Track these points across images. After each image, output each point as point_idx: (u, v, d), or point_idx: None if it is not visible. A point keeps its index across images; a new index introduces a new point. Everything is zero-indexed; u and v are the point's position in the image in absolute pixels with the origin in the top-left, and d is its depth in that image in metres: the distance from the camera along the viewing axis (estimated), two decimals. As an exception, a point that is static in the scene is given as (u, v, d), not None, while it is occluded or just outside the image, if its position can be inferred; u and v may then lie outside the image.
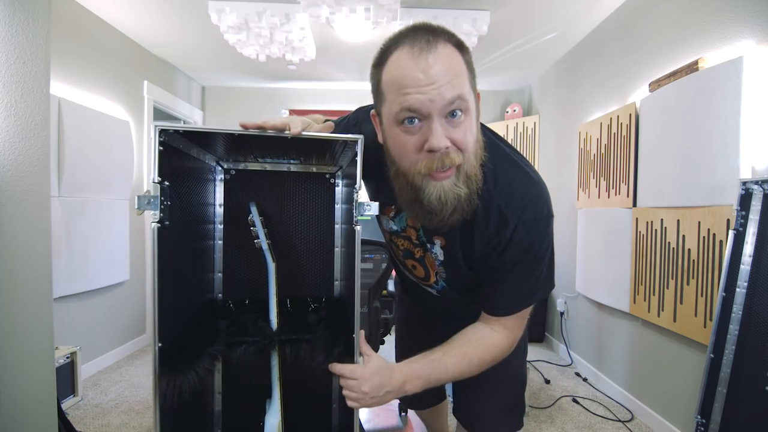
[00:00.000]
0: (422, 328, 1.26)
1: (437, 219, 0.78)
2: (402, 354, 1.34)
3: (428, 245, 0.93)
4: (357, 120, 0.99)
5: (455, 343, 0.88)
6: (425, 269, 0.98)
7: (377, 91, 0.77)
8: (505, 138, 3.54)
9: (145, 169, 3.20)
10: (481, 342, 0.88)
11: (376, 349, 1.84)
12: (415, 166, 0.73)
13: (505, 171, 0.83)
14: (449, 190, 0.74)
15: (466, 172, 0.74)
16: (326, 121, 1.04)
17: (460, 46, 0.74)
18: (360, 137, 0.84)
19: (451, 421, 1.27)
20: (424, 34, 0.70)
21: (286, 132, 0.79)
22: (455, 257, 0.90)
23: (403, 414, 2.19)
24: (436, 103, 0.68)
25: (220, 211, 1.15)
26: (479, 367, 0.88)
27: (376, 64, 0.76)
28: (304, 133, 0.86)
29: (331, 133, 1.03)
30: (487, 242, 0.84)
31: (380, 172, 0.84)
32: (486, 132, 0.89)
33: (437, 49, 0.69)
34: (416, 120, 0.70)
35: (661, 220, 2.01)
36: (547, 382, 2.64)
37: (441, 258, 0.92)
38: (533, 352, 3.21)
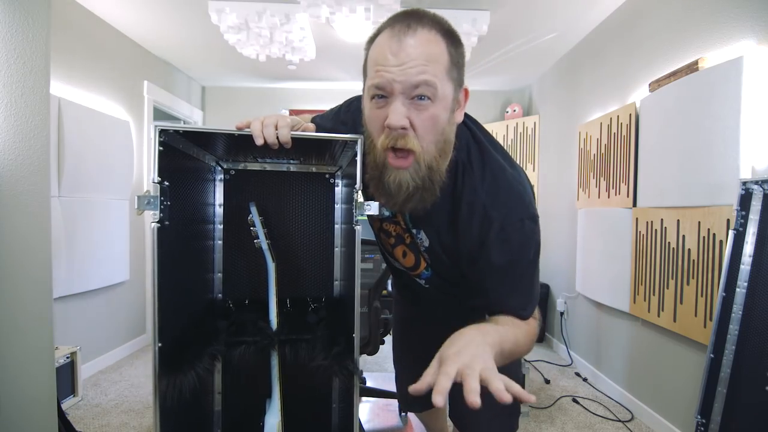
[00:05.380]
0: (419, 328, 1.26)
1: (392, 202, 0.80)
2: (399, 354, 1.34)
3: (414, 231, 0.93)
4: (350, 108, 1.00)
5: (498, 319, 0.81)
6: (415, 255, 0.98)
7: (364, 68, 0.81)
8: (505, 138, 3.50)
9: (145, 169, 3.20)
10: (518, 322, 0.82)
11: (376, 349, 1.86)
12: (379, 140, 0.76)
13: (493, 170, 0.83)
14: (404, 178, 0.76)
15: (426, 163, 0.76)
16: (313, 119, 1.04)
17: (449, 35, 0.75)
18: (360, 137, 0.84)
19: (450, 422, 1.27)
20: (407, 19, 0.73)
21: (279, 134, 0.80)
22: (435, 247, 0.90)
23: (403, 414, 2.19)
24: (399, 83, 0.71)
25: (219, 211, 1.16)
26: (527, 341, 0.81)
27: (368, 42, 0.80)
28: (303, 133, 0.86)
29: (320, 123, 1.03)
30: (471, 241, 0.83)
31: None
32: (476, 131, 0.88)
33: (415, 33, 0.72)
34: (384, 97, 0.74)
35: (661, 220, 2.01)
36: (547, 382, 2.64)
37: (426, 244, 0.92)
38: (533, 352, 3.21)
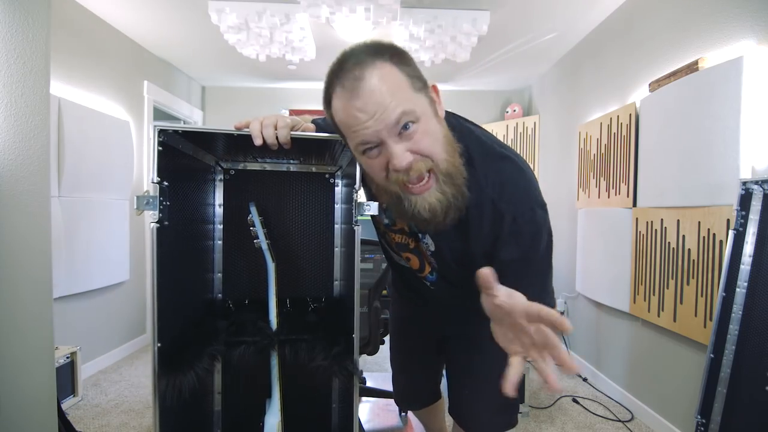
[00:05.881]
0: (417, 327, 1.26)
1: (434, 224, 0.79)
2: (397, 353, 1.34)
3: (419, 235, 0.93)
4: None
5: None
6: (420, 260, 0.98)
7: (335, 127, 0.79)
8: (505, 138, 3.49)
9: (145, 169, 3.20)
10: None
11: (376, 349, 1.86)
12: (389, 181, 0.76)
13: (495, 164, 0.82)
14: (433, 200, 0.75)
15: (444, 171, 0.75)
16: (311, 121, 1.03)
17: (393, 55, 0.73)
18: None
19: (449, 421, 1.27)
20: (350, 68, 0.70)
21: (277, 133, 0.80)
22: (442, 251, 0.90)
23: (403, 414, 2.19)
24: (382, 130, 0.70)
25: (219, 211, 1.16)
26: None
27: (325, 104, 0.78)
28: (302, 133, 0.85)
29: (322, 125, 1.03)
30: (484, 240, 0.82)
31: None
32: (467, 124, 0.88)
33: (365, 79, 0.69)
34: (374, 147, 0.73)
35: (661, 220, 2.01)
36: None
37: (432, 248, 0.92)
38: (533, 352, 3.20)
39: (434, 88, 0.80)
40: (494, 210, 0.80)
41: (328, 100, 0.76)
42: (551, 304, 0.83)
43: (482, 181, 0.81)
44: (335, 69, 0.74)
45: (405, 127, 0.71)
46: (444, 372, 1.29)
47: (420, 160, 0.73)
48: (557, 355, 0.61)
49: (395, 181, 0.74)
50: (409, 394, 1.37)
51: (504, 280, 0.82)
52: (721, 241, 1.66)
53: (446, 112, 0.86)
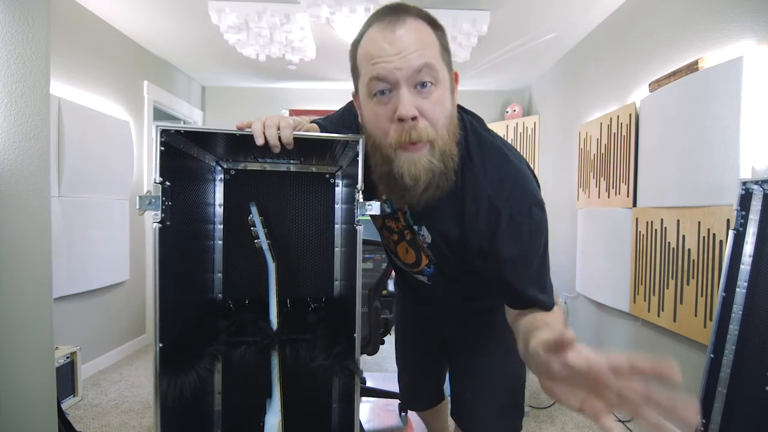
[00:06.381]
0: (420, 327, 1.26)
1: (410, 195, 0.77)
2: (401, 352, 1.34)
3: (415, 227, 0.92)
4: (351, 110, 0.99)
5: (535, 318, 0.78)
6: (416, 252, 0.96)
7: (354, 69, 0.80)
8: (505, 138, 3.50)
9: (145, 169, 3.20)
10: (549, 315, 0.81)
11: (376, 349, 1.86)
12: (387, 137, 0.74)
13: (495, 161, 0.82)
14: (420, 164, 0.73)
15: (440, 149, 0.75)
16: (312, 121, 1.03)
17: (433, 23, 0.77)
18: (360, 137, 0.84)
19: (451, 422, 1.27)
20: (394, 12, 0.74)
21: (279, 133, 0.80)
22: (439, 243, 0.89)
23: (403, 414, 2.19)
24: (402, 70, 0.70)
25: (220, 211, 1.16)
26: None
27: (353, 44, 0.80)
28: (304, 133, 0.85)
29: (323, 125, 1.03)
30: (480, 236, 0.81)
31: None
32: (472, 121, 0.87)
33: (405, 22, 0.73)
34: (387, 91, 0.73)
35: (661, 220, 2.01)
36: (547, 382, 2.64)
37: (429, 240, 0.91)
38: (533, 352, 3.20)
39: (456, 75, 0.81)
40: (491, 206, 0.79)
41: (358, 38, 0.78)
42: (550, 302, 0.83)
43: (480, 177, 0.80)
44: (377, 11, 0.77)
45: (423, 85, 0.72)
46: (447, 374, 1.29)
47: (425, 124, 0.72)
48: (667, 404, 0.44)
49: (395, 136, 0.73)
50: (412, 394, 1.38)
51: (501, 277, 0.82)
52: (721, 241, 1.66)
53: (461, 112, 0.86)
